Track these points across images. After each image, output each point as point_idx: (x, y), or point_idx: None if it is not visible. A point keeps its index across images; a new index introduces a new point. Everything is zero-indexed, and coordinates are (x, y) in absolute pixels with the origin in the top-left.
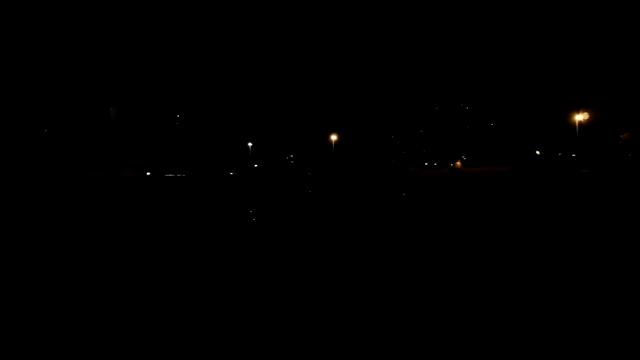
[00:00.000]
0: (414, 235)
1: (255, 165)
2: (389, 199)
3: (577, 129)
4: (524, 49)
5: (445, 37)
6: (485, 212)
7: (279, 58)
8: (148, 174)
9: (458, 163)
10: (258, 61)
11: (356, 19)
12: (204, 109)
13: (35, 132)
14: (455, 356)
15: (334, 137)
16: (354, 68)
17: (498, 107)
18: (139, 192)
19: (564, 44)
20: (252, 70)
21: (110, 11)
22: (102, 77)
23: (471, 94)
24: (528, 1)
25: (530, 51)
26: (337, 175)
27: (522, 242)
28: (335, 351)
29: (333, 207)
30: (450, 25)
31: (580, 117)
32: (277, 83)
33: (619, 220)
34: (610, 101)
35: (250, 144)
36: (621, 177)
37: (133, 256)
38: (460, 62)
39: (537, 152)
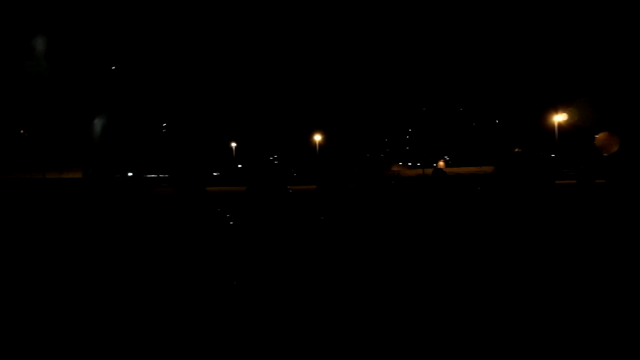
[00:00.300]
0: (391, 237)
1: (240, 166)
2: (372, 199)
3: (556, 129)
4: (507, 50)
5: (430, 38)
6: (465, 213)
7: (264, 58)
8: (130, 174)
9: (441, 163)
10: (242, 61)
11: (341, 20)
12: (187, 110)
13: (13, 133)
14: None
15: (318, 138)
16: (339, 69)
17: (481, 107)
18: (106, 193)
19: (546, 46)
20: (237, 71)
21: (83, 8)
22: (86, 75)
23: (455, 94)
24: (510, 4)
25: (512, 52)
26: (321, 176)
27: (501, 242)
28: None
29: (315, 209)
30: (435, 26)
31: (559, 117)
32: (261, 83)
33: (594, 220)
34: (591, 101)
35: (234, 145)
36: (595, 177)
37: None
38: (443, 63)
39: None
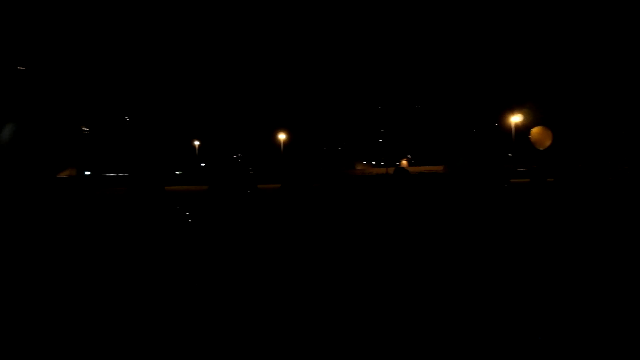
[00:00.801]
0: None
1: (203, 165)
2: (335, 198)
3: (513, 130)
4: (465, 51)
5: (392, 37)
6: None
7: (227, 55)
8: (87, 173)
9: (404, 162)
10: (206, 58)
11: (305, 17)
12: (148, 107)
13: None
14: None
15: (282, 136)
16: (303, 66)
17: (441, 107)
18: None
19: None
20: (200, 68)
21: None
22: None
23: (418, 94)
24: (470, 5)
25: (470, 53)
26: (286, 175)
27: (456, 239)
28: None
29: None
30: (396, 26)
31: (516, 118)
32: (225, 81)
33: (542, 216)
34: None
35: (197, 143)
36: (547, 176)
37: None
38: (405, 63)
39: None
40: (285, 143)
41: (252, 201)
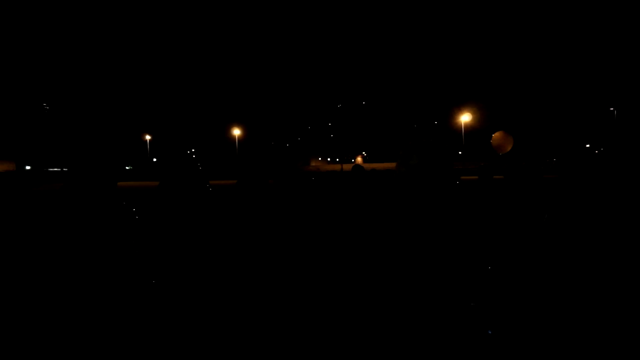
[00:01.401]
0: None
1: (155, 160)
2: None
3: (462, 129)
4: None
5: (347, 35)
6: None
7: (180, 49)
8: (28, 167)
9: (359, 159)
10: (159, 52)
11: (259, 12)
12: (99, 100)
13: None
14: None
15: (237, 132)
16: (259, 61)
17: (396, 106)
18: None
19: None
20: (153, 61)
21: None
22: None
23: (373, 93)
24: (423, 5)
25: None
26: (241, 171)
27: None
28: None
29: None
30: (350, 24)
31: (465, 117)
32: (178, 75)
33: (489, 213)
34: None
35: (148, 137)
36: (494, 173)
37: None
38: (361, 61)
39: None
40: (240, 139)
41: (205, 198)
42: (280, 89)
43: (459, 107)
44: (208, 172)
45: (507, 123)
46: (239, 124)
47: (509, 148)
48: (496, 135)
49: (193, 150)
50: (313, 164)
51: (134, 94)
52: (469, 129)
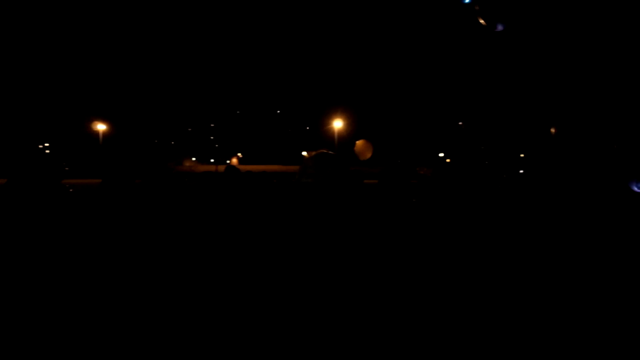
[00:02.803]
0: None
1: None
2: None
3: (335, 135)
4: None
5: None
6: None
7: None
8: None
9: (234, 160)
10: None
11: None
12: None
13: None
14: None
15: (102, 127)
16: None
17: (272, 107)
18: None
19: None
20: None
21: None
22: None
23: (250, 92)
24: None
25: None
26: (106, 170)
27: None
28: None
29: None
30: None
31: (338, 124)
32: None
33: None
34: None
35: None
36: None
37: None
38: (238, 60)
39: (304, 153)
40: (106, 134)
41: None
42: (151, 85)
43: (332, 113)
44: (65, 170)
45: (373, 131)
46: (103, 118)
47: (369, 155)
48: (358, 143)
49: (47, 145)
50: (186, 164)
51: None
52: (342, 135)
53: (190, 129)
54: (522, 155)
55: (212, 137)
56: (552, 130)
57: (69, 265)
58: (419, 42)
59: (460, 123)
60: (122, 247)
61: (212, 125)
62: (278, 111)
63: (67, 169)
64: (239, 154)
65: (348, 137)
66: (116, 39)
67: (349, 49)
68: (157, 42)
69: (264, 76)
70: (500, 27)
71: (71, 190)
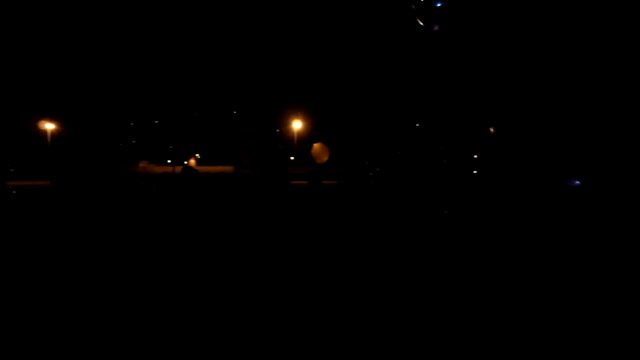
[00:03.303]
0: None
1: None
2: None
3: (295, 136)
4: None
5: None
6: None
7: None
8: None
9: (192, 161)
10: None
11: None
12: None
13: None
14: None
15: (50, 125)
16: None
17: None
18: None
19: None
20: None
21: None
22: None
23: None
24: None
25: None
26: (55, 171)
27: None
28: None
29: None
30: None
31: (297, 125)
32: None
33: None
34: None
35: None
36: (323, 178)
37: None
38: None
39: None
40: (54, 134)
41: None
42: (104, 82)
43: (292, 114)
44: (10, 172)
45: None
46: (51, 116)
47: (325, 158)
48: (315, 146)
49: None
50: (141, 164)
51: None
52: (301, 136)
53: (144, 129)
54: (475, 155)
55: (168, 138)
56: (491, 129)
57: (10, 268)
58: (375, 44)
59: (417, 125)
60: (70, 251)
61: (168, 126)
62: (235, 112)
63: (12, 170)
64: (197, 155)
65: (308, 138)
66: (64, 32)
67: (307, 51)
68: (111, 37)
69: (222, 76)
70: (436, 27)
71: (14, 192)
